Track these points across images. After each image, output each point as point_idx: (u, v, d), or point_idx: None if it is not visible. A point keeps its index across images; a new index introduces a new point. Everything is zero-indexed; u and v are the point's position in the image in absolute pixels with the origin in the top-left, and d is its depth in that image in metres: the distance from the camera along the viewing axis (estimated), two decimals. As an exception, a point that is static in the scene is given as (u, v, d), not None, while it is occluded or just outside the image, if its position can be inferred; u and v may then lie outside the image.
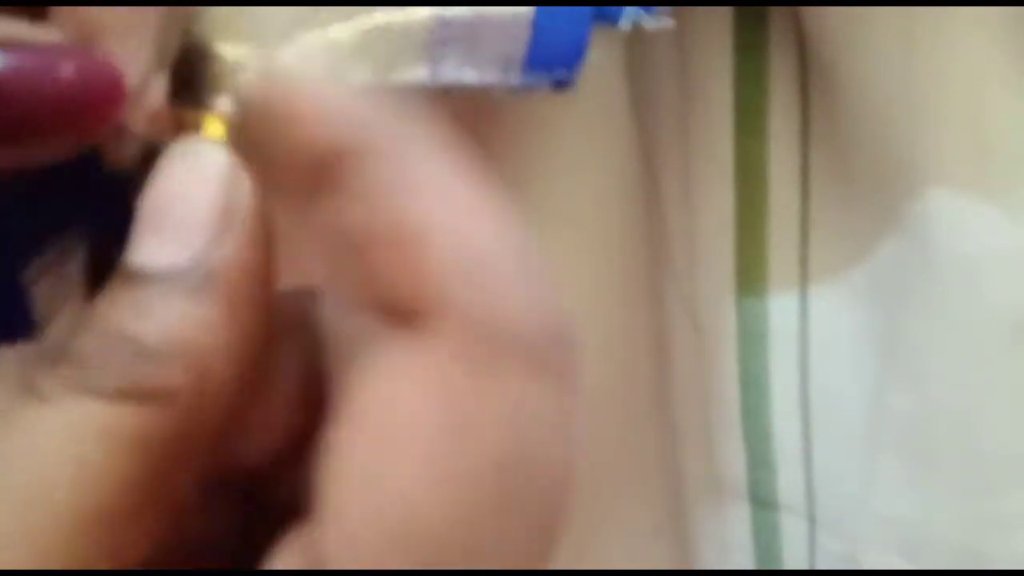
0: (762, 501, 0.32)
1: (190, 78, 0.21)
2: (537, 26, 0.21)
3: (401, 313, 0.17)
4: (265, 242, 0.19)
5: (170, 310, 0.18)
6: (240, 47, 0.22)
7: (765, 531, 0.33)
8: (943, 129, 0.28)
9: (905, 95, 0.29)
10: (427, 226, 0.17)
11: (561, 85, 0.21)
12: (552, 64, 0.21)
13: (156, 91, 0.20)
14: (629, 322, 0.33)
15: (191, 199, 0.18)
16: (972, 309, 0.29)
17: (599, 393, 0.32)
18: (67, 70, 0.19)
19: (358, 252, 0.17)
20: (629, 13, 0.22)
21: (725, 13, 0.31)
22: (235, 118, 0.20)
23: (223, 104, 0.21)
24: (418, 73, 0.21)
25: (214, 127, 0.20)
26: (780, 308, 0.32)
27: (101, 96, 0.19)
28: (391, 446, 0.17)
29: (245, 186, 0.19)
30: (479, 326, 0.17)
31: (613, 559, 0.33)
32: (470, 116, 0.29)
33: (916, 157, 0.29)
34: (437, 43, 0.21)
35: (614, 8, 0.21)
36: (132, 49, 0.20)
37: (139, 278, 0.18)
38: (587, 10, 0.21)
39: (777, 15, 0.30)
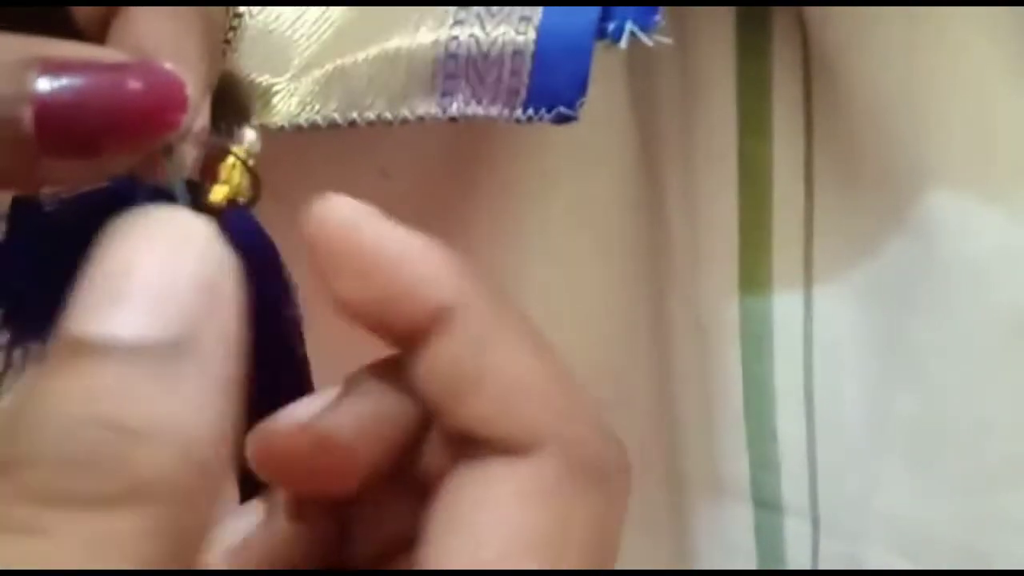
0: (765, 503, 0.33)
1: (223, 105, 0.22)
2: (538, 61, 0.22)
3: (501, 445, 0.20)
4: (242, 320, 0.18)
5: (158, 393, 0.16)
6: (265, 75, 0.23)
7: (768, 533, 0.33)
8: (946, 129, 0.29)
9: (908, 95, 0.29)
10: (523, 377, 0.20)
11: (564, 119, 0.22)
12: (554, 99, 0.22)
13: (204, 115, 0.22)
14: (632, 322, 0.33)
15: (168, 270, 0.17)
16: (975, 309, 0.30)
17: (601, 394, 0.33)
18: (135, 83, 0.21)
19: (457, 396, 0.20)
20: (628, 29, 0.22)
21: (727, 14, 0.31)
22: (256, 145, 0.22)
23: (248, 135, 0.22)
24: (428, 106, 0.22)
25: (236, 155, 0.22)
26: (784, 308, 0.33)
27: (166, 104, 0.21)
28: (504, 547, 0.20)
29: (225, 260, 0.18)
30: (570, 456, 0.20)
31: (614, 559, 0.34)
32: (468, 121, 0.30)
33: (919, 157, 0.29)
34: (444, 76, 0.22)
35: (614, 27, 0.22)
36: (183, 70, 0.22)
37: (95, 352, 0.16)
38: (587, 45, 0.22)
39: (779, 15, 0.31)
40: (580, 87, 0.22)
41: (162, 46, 0.22)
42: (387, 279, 0.20)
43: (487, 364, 0.21)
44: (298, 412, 0.22)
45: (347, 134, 0.30)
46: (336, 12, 0.24)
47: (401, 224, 0.21)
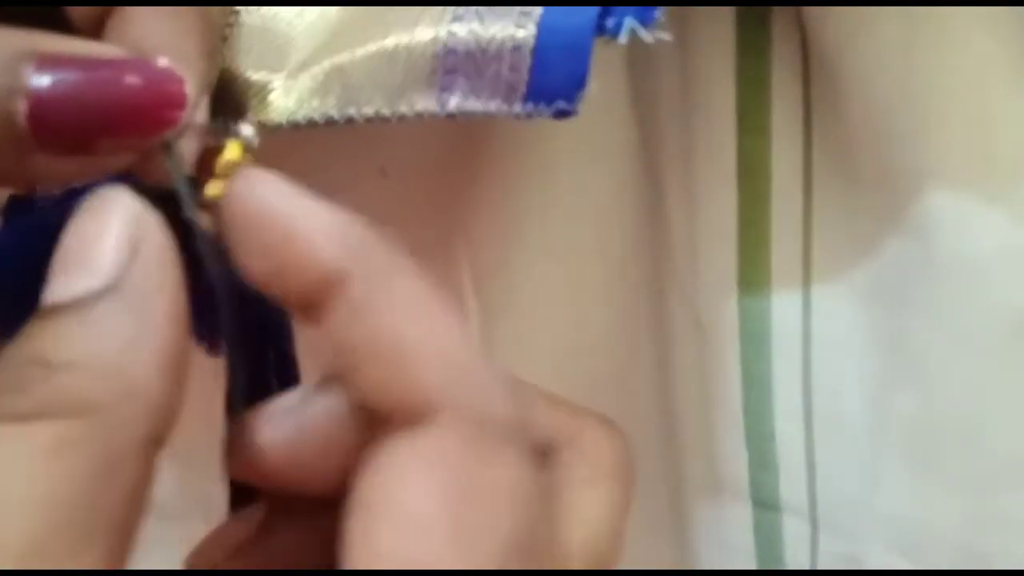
0: (764, 502, 0.33)
1: (219, 102, 0.22)
2: (537, 57, 0.21)
3: (396, 417, 0.20)
4: (175, 268, 0.20)
5: (83, 332, 0.19)
6: (262, 72, 0.23)
7: (767, 532, 0.33)
8: (946, 129, 0.29)
9: (907, 94, 0.29)
10: (412, 340, 0.20)
11: (563, 114, 0.22)
12: (553, 95, 0.22)
13: (202, 113, 0.21)
14: (631, 323, 0.33)
15: (97, 237, 0.20)
16: (975, 309, 0.29)
17: (600, 393, 0.33)
18: (133, 79, 0.21)
19: (352, 365, 0.20)
20: (628, 26, 0.22)
21: (727, 13, 0.31)
22: (254, 141, 0.22)
23: (245, 130, 0.22)
24: (426, 102, 0.22)
25: (233, 151, 0.22)
26: (783, 308, 0.33)
27: (164, 101, 0.21)
28: (417, 527, 0.19)
29: (150, 221, 0.20)
30: (472, 419, 0.20)
31: (613, 559, 0.33)
32: (467, 120, 0.30)
33: (918, 156, 0.29)
34: (442, 71, 0.22)
35: (614, 23, 0.22)
36: (181, 68, 0.22)
37: (52, 312, 0.19)
38: (587, 41, 0.22)
39: (779, 15, 0.31)
40: (579, 82, 0.22)
41: (160, 45, 0.21)
42: (276, 248, 0.20)
43: (377, 329, 0.20)
44: (270, 410, 0.22)
45: (346, 133, 0.30)
46: (333, 10, 0.24)
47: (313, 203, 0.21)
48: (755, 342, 0.33)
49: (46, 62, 0.20)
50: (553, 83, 0.22)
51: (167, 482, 0.32)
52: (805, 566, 0.33)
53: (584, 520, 0.22)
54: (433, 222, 0.32)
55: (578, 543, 0.22)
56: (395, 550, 0.19)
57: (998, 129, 0.29)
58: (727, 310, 0.33)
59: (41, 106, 0.20)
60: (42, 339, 0.19)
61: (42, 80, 0.20)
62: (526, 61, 0.22)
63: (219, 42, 0.24)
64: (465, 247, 0.32)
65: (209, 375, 0.25)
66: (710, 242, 0.33)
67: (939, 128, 0.29)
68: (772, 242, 0.32)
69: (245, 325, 0.23)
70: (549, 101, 0.22)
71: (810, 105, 0.31)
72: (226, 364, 0.23)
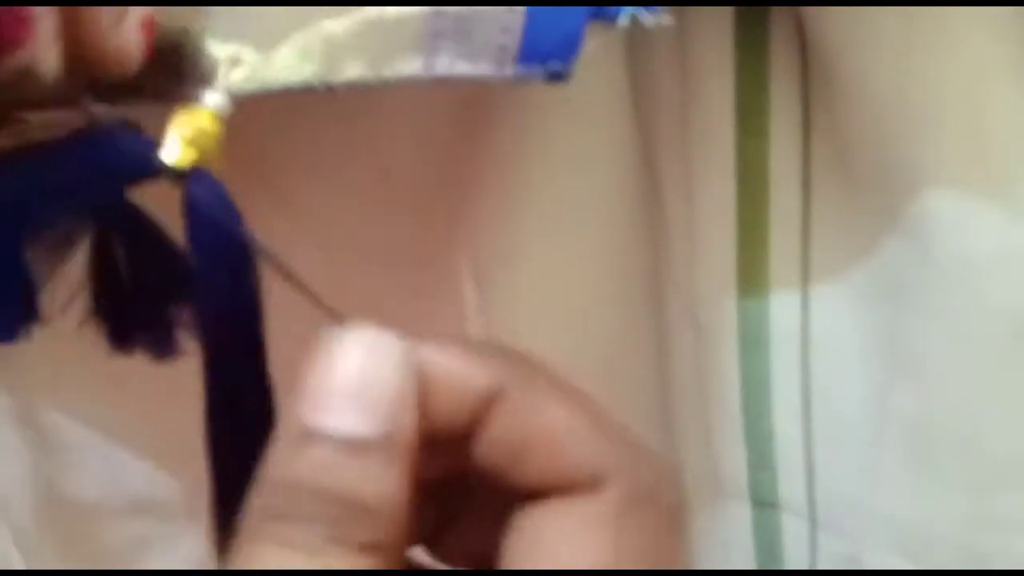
0: (763, 502, 0.33)
1: (184, 74, 0.22)
2: (531, 17, 0.21)
3: (561, 488, 0.23)
4: (416, 411, 0.23)
5: (361, 473, 0.22)
6: (237, 44, 0.22)
7: (766, 532, 0.33)
8: (943, 129, 0.29)
9: (905, 94, 0.29)
10: (568, 426, 0.23)
11: (556, 77, 0.21)
12: (546, 56, 0.21)
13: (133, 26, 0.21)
14: (630, 321, 0.33)
15: (377, 381, 0.22)
16: (973, 309, 0.29)
17: (599, 394, 0.32)
18: None
19: (516, 459, 0.23)
20: (627, 10, 0.22)
21: (726, 12, 0.31)
22: (224, 111, 0.22)
23: (213, 99, 0.22)
24: (412, 66, 0.21)
25: (204, 118, 0.22)
26: (781, 308, 0.32)
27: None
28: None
29: (411, 367, 0.23)
30: (630, 485, 0.23)
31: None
32: (469, 115, 0.30)
33: (916, 156, 0.29)
34: (430, 34, 0.21)
35: (613, 8, 0.22)
36: None
37: (325, 442, 0.22)
38: (582, 8, 0.21)
39: (778, 14, 0.31)
40: (574, 41, 0.21)
41: None
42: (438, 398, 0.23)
43: (537, 425, 0.23)
44: None
45: (348, 133, 0.29)
46: None
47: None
48: (754, 342, 0.33)
49: None
50: (547, 42, 0.21)
51: (167, 482, 0.32)
52: (804, 565, 0.33)
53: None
54: (435, 213, 0.31)
55: None
56: None
57: (996, 129, 0.29)
58: (726, 310, 0.33)
59: None
60: (328, 469, 0.22)
61: None
62: (520, 20, 0.21)
63: None
64: (466, 238, 0.32)
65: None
66: (708, 243, 0.33)
67: (937, 128, 0.29)
68: (771, 242, 0.32)
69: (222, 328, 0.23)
70: (543, 61, 0.22)
71: (809, 105, 0.31)
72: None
